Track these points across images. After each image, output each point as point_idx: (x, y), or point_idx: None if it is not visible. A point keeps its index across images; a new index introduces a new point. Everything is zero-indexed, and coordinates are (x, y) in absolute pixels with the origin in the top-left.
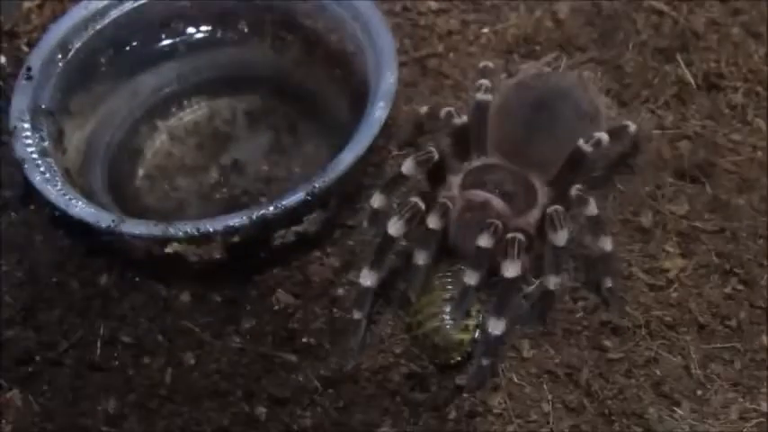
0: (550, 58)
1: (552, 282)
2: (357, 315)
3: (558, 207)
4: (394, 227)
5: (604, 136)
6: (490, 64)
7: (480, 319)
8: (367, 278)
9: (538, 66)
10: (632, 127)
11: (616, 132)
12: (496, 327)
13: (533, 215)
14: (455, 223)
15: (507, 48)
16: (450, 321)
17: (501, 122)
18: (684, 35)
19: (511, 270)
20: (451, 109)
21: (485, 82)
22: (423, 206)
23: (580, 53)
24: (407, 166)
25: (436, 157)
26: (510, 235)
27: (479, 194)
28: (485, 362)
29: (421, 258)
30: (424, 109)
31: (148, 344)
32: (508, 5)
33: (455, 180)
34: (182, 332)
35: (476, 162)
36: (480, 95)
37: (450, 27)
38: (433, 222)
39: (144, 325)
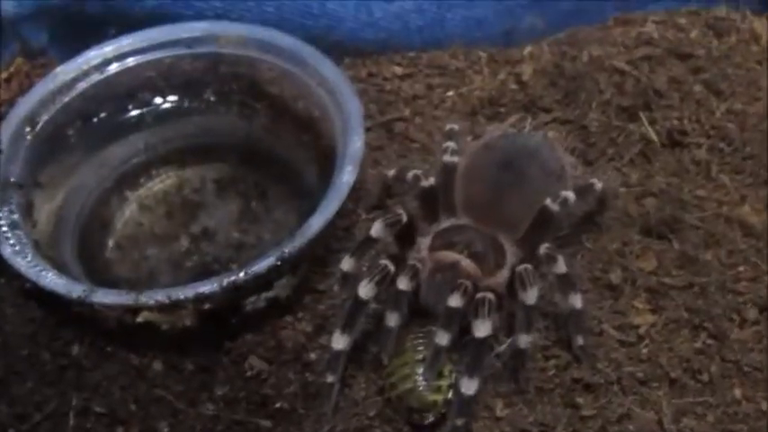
0: (515, 120)
1: (524, 340)
2: (330, 378)
3: (527, 266)
4: (364, 289)
5: (570, 194)
6: (456, 126)
7: (453, 378)
8: (339, 341)
9: (503, 127)
10: (598, 185)
11: (582, 190)
12: (469, 387)
13: (503, 275)
14: (425, 284)
15: (472, 110)
16: (423, 382)
17: (468, 183)
18: (647, 93)
19: (482, 329)
20: (418, 172)
21: (451, 144)
22: (393, 268)
23: (544, 114)
24: (376, 229)
25: (405, 219)
26: (480, 295)
27: (448, 255)
28: (459, 422)
29: (392, 320)
30: (391, 172)
31: (122, 413)
32: (472, 69)
33: (424, 242)
34: (155, 401)
35: (444, 223)
36: (447, 158)
37: (416, 91)
38: (403, 284)
39: (117, 394)
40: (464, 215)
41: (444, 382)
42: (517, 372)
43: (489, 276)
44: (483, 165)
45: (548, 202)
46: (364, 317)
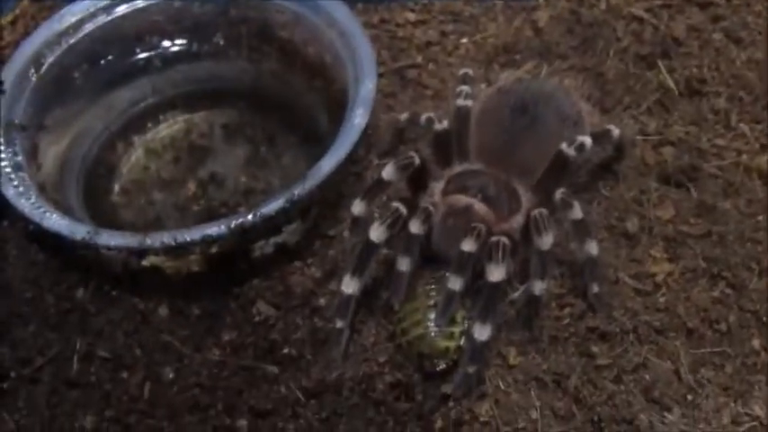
0: (530, 67)
1: (538, 287)
2: (339, 324)
3: (543, 210)
4: (376, 232)
5: (587, 139)
6: (470, 71)
7: (466, 325)
8: (349, 286)
9: (518, 74)
10: (615, 131)
11: (599, 136)
12: (482, 332)
13: (517, 220)
14: (438, 229)
15: (487, 57)
16: (435, 329)
17: (482, 128)
18: (665, 42)
19: (495, 274)
20: (432, 115)
21: (465, 88)
22: (405, 211)
23: (560, 61)
24: (388, 172)
25: (417, 162)
26: (494, 239)
27: (462, 199)
28: (471, 369)
29: (404, 265)
30: (404, 116)
31: (126, 358)
32: (486, 15)
33: (437, 186)
34: (160, 346)
35: (458, 168)
36: (460, 101)
37: (429, 38)
38: (415, 227)
39: (121, 339)
40: (478, 160)
41: (457, 329)
42: (531, 319)
43: (503, 222)
44: (497, 109)
45: (563, 146)
46: (375, 261)
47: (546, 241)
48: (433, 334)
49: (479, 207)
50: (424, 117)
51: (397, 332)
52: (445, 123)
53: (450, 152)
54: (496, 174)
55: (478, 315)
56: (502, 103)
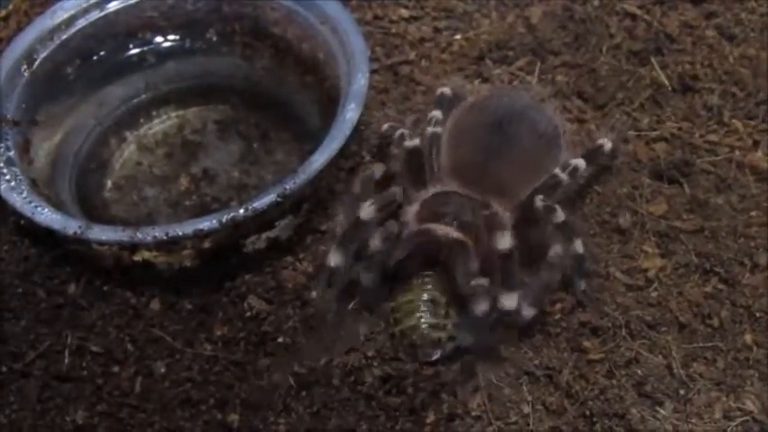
0: (523, 63)
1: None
2: (329, 296)
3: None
4: (366, 211)
5: (581, 162)
6: (447, 90)
7: (456, 318)
8: (333, 259)
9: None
10: (608, 145)
11: (592, 154)
12: (509, 299)
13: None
14: (410, 250)
15: (480, 54)
16: (428, 320)
17: (455, 148)
18: (658, 38)
19: (502, 243)
20: (404, 131)
21: (436, 114)
22: (400, 197)
23: (553, 57)
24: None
25: (399, 198)
26: (489, 211)
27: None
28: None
29: (366, 280)
30: (384, 127)
31: (118, 353)
32: (480, 12)
33: (411, 210)
34: (152, 340)
35: (432, 190)
36: (431, 129)
37: (422, 34)
38: (376, 243)
39: (113, 334)
40: (452, 180)
41: (449, 321)
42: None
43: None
44: (470, 128)
45: (557, 171)
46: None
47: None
48: (425, 325)
49: (456, 235)
50: (397, 133)
51: (391, 322)
52: (416, 141)
53: (422, 172)
54: (472, 195)
55: (504, 284)
56: (475, 120)
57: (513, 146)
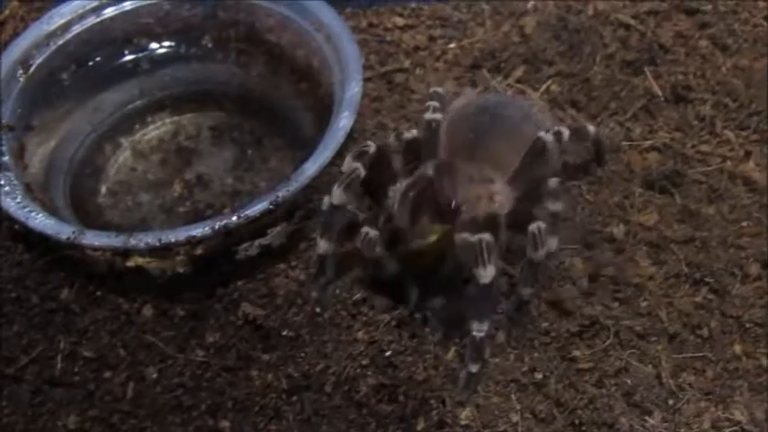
0: (519, 73)
1: (527, 293)
2: (320, 280)
3: (540, 224)
4: (336, 195)
5: (565, 129)
6: (440, 89)
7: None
8: (320, 247)
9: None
10: (591, 128)
11: (576, 131)
12: (480, 329)
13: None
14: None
15: (474, 62)
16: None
17: (450, 137)
18: (652, 48)
19: (484, 277)
20: (399, 129)
21: (433, 103)
22: (362, 171)
23: (547, 67)
24: (336, 197)
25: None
26: (476, 237)
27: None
28: (473, 368)
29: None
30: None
31: (110, 358)
32: (474, 21)
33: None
34: (144, 346)
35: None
36: (429, 115)
37: (417, 43)
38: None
39: (105, 339)
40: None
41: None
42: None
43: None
44: (462, 118)
45: (541, 133)
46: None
47: (540, 255)
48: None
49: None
50: (392, 135)
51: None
52: (414, 132)
53: (419, 159)
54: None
55: (475, 314)
56: (466, 112)
57: (501, 121)
